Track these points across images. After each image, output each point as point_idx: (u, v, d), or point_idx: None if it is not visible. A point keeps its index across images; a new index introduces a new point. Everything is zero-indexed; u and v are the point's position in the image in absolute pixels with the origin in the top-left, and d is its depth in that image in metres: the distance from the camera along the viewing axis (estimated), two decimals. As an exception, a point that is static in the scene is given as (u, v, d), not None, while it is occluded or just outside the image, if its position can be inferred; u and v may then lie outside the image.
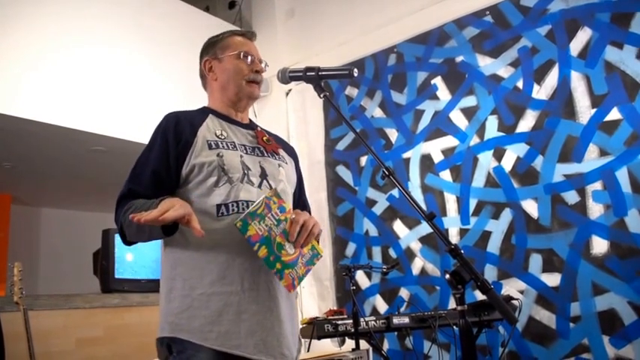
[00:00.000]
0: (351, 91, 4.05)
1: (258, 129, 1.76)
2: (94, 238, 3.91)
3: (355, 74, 1.56)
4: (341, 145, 4.04)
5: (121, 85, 3.72)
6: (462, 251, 1.28)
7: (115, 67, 3.71)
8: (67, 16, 3.53)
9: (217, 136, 1.62)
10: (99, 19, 3.70)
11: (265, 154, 1.68)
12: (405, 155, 3.68)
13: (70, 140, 3.89)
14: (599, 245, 2.85)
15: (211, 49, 1.76)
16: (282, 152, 1.77)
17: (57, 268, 6.21)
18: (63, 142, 3.99)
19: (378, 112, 3.88)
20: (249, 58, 1.71)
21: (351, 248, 3.88)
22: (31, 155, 4.52)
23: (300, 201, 1.84)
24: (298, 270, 1.49)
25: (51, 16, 3.44)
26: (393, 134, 3.78)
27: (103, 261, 3.44)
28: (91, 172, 5.06)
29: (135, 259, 3.54)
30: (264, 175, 1.62)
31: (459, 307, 1.27)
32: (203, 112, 1.70)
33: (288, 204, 1.55)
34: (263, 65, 1.75)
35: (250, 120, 1.80)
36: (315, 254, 1.55)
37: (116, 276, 3.41)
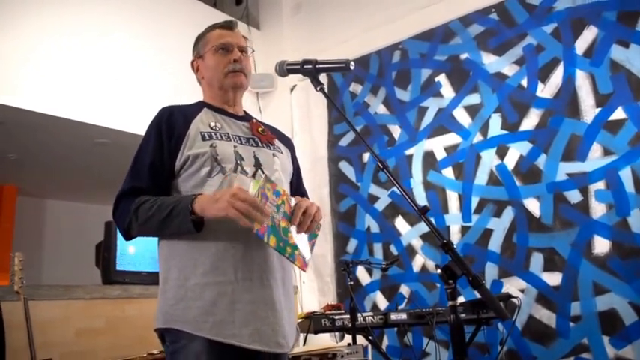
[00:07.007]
0: (356, 88, 4.04)
1: (254, 121, 1.77)
2: (97, 230, 3.93)
3: (352, 67, 1.55)
4: (344, 142, 4.04)
5: (126, 78, 3.73)
6: (455, 246, 1.27)
7: (120, 61, 3.73)
8: (72, 9, 3.55)
9: (211, 128, 1.63)
10: (104, 12, 3.72)
11: (260, 145, 1.69)
12: (408, 152, 3.67)
13: (75, 132, 3.91)
14: (601, 245, 2.83)
15: (196, 48, 1.79)
16: (277, 143, 1.77)
17: (60, 259, 6.26)
18: (68, 134, 4.02)
19: (381, 109, 3.87)
20: (228, 48, 1.70)
21: (352, 244, 3.88)
22: (36, 147, 4.55)
23: (299, 192, 1.84)
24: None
25: (55, 9, 3.45)
26: (396, 131, 3.76)
27: (105, 253, 3.45)
28: (96, 164, 5.10)
29: (136, 252, 3.55)
30: (258, 165, 1.62)
31: (450, 302, 1.26)
32: (198, 106, 1.72)
33: (281, 187, 1.55)
34: (249, 52, 1.75)
35: (245, 112, 1.81)
36: (316, 226, 1.57)
37: (117, 268, 3.41)
